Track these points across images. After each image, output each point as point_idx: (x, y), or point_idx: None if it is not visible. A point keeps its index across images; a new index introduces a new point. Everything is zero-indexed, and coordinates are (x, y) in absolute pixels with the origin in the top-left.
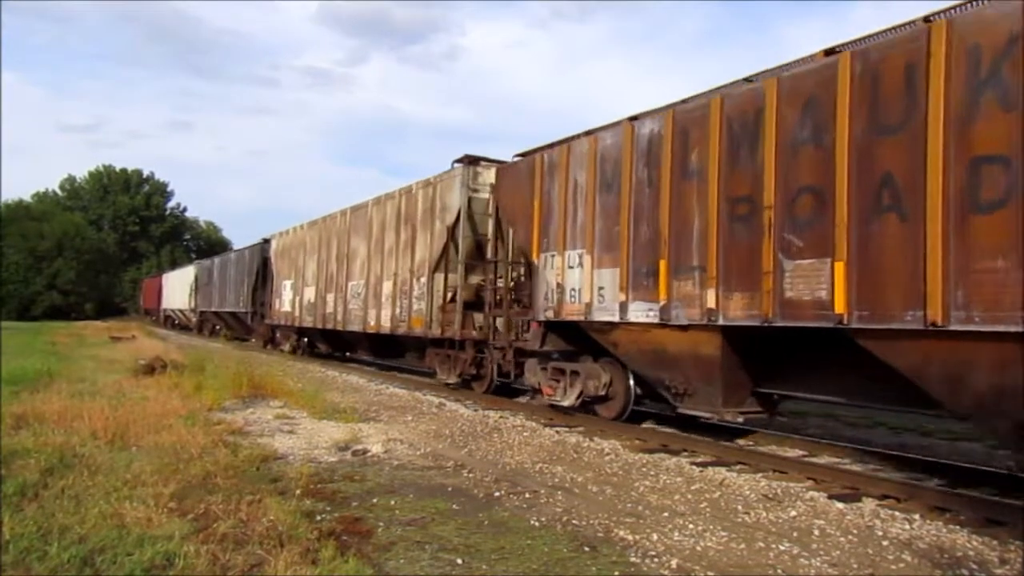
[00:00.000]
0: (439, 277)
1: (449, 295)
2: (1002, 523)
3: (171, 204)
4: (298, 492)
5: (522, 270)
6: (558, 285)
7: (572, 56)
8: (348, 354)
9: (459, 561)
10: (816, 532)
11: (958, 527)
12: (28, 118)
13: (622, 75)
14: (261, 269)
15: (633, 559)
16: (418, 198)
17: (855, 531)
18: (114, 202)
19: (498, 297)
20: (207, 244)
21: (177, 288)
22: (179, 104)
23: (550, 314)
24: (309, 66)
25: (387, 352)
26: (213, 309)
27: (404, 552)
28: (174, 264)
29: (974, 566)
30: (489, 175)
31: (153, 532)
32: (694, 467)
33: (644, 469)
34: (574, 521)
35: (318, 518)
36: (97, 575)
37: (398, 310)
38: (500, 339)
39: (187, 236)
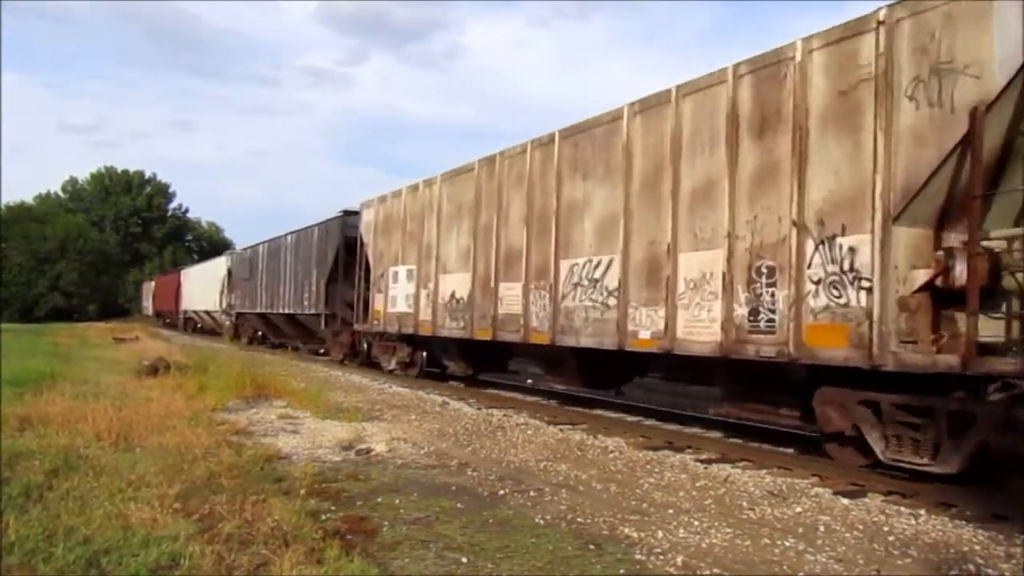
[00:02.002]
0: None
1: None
2: (1007, 518)
3: (173, 205)
4: (302, 492)
5: None
6: None
7: (574, 55)
8: (486, 377)
9: (464, 560)
10: (821, 528)
11: (964, 522)
12: (30, 119)
13: (624, 74)
14: (340, 254)
15: (638, 556)
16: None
17: (860, 527)
18: (116, 203)
19: None
20: (209, 245)
21: (202, 285)
22: (179, 104)
23: None
24: (309, 66)
25: (608, 379)
26: (258, 310)
27: (409, 551)
28: (175, 265)
29: (980, 561)
30: None
31: (158, 533)
32: (698, 464)
33: (648, 466)
34: (579, 519)
35: (323, 518)
36: (102, 575)
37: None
38: None
39: (189, 237)
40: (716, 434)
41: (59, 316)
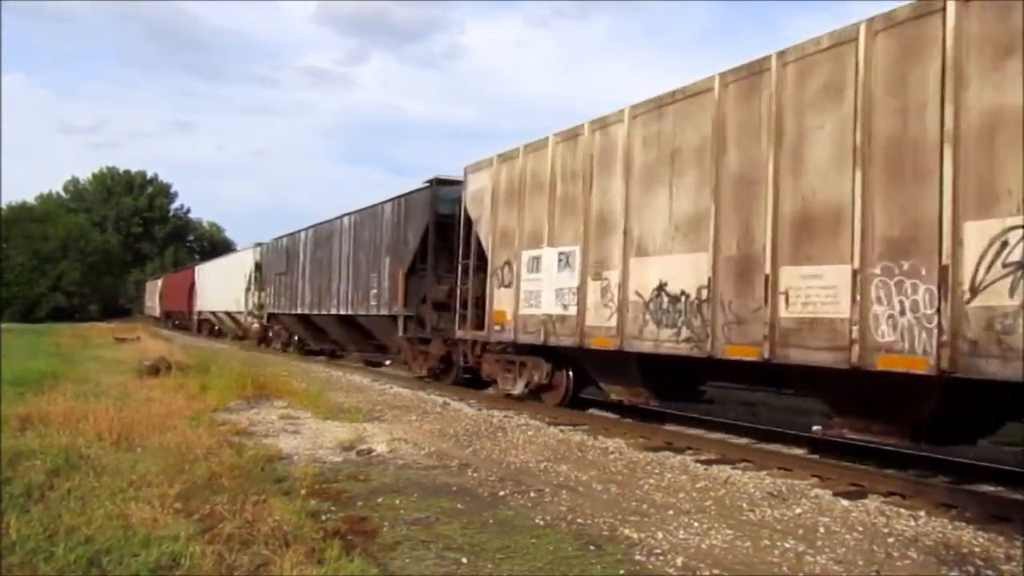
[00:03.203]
0: None
1: None
2: (1008, 519)
3: (174, 205)
4: (303, 492)
5: None
6: None
7: (574, 55)
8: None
9: (464, 560)
10: (821, 529)
11: (964, 524)
12: (30, 119)
13: (624, 73)
14: (430, 238)
15: (638, 557)
16: None
17: (860, 528)
18: (117, 203)
19: None
20: (210, 245)
21: (222, 283)
22: (180, 104)
23: None
24: (309, 66)
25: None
26: (297, 311)
27: (409, 551)
28: (177, 265)
29: (980, 563)
30: None
31: (159, 532)
32: (699, 465)
33: (649, 467)
34: (579, 520)
35: (323, 518)
36: (103, 575)
37: None
38: None
39: (190, 237)
40: (716, 435)
41: (60, 316)
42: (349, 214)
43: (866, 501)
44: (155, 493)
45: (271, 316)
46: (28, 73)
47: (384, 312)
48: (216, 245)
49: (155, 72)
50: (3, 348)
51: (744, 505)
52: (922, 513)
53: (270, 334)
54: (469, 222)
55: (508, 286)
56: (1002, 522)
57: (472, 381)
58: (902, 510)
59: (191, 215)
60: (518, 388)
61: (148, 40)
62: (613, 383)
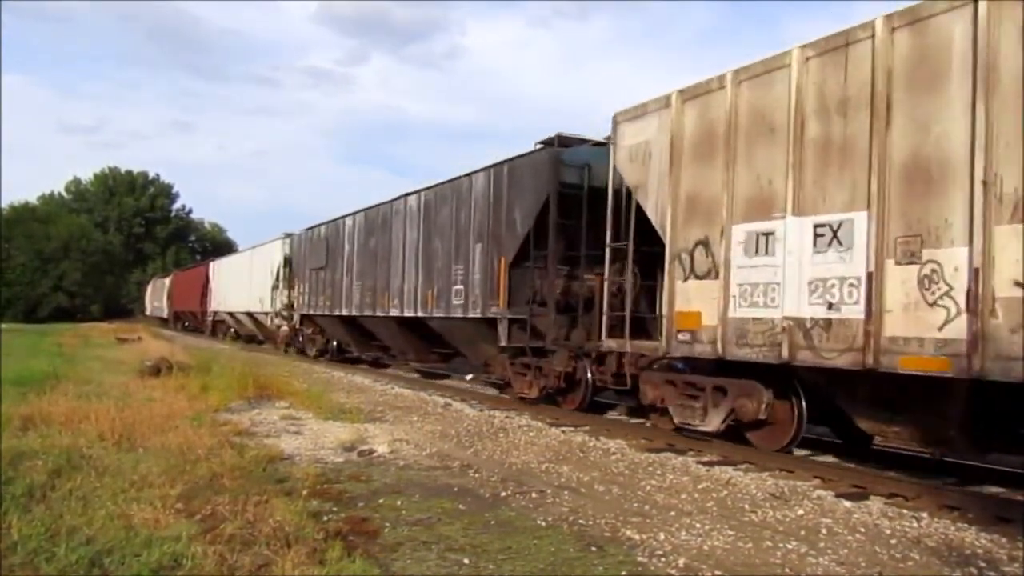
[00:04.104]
0: None
1: None
2: (1011, 521)
3: (176, 206)
4: (305, 492)
5: None
6: None
7: (574, 55)
8: None
9: (466, 561)
10: (823, 531)
11: (966, 525)
12: (33, 120)
13: (625, 73)
14: (551, 215)
15: (640, 558)
16: None
17: (863, 529)
18: (119, 204)
19: None
20: (212, 245)
21: (242, 280)
22: (181, 104)
23: None
24: (309, 66)
25: None
26: (341, 312)
27: (411, 552)
28: (178, 265)
29: (983, 564)
30: None
31: (160, 533)
32: (700, 466)
33: (650, 468)
34: (580, 521)
35: (325, 518)
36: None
37: None
38: None
39: (192, 237)
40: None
41: (62, 316)
42: (416, 192)
43: (868, 502)
44: (157, 493)
45: (304, 318)
46: (29, 73)
47: (474, 314)
48: (218, 245)
49: (156, 72)
50: (5, 348)
51: (746, 506)
52: (924, 514)
53: (300, 339)
54: (621, 191)
55: (705, 276)
56: (1005, 524)
57: (595, 405)
58: (904, 511)
59: (192, 215)
60: (712, 423)
61: (148, 40)
62: (888, 421)
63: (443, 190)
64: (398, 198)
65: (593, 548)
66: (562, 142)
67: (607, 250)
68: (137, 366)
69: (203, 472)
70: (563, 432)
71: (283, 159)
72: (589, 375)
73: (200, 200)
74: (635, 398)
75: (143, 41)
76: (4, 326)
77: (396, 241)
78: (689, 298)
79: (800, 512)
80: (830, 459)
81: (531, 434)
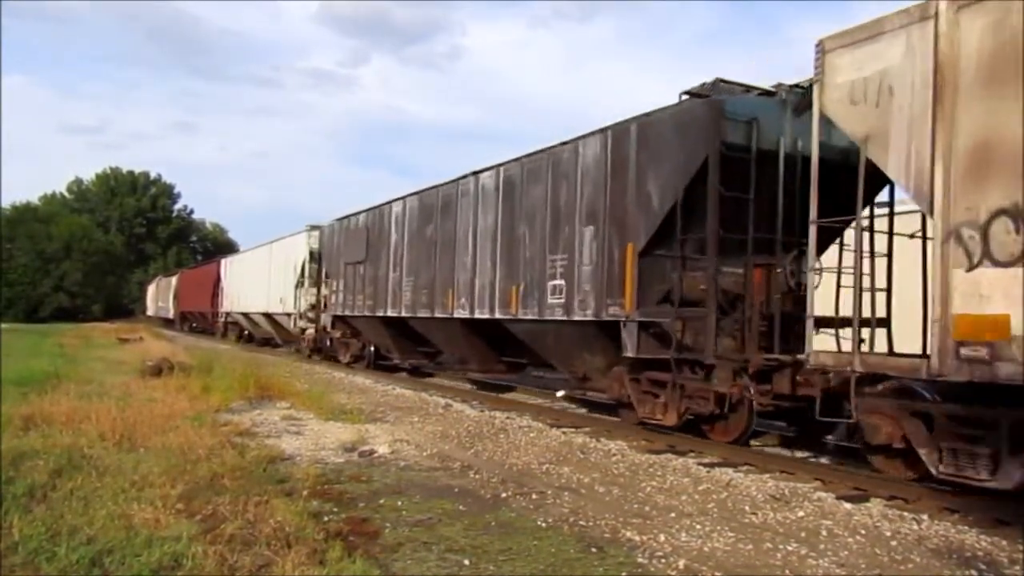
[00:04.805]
0: None
1: None
2: (1011, 523)
3: (177, 206)
4: (305, 493)
5: None
6: None
7: (575, 55)
8: None
9: (466, 562)
10: (824, 533)
11: (967, 527)
12: (33, 120)
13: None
14: (710, 186)
15: (640, 560)
16: None
17: (863, 531)
18: (121, 204)
19: None
20: (214, 245)
21: (259, 277)
22: (182, 105)
23: None
24: (310, 67)
25: None
26: (387, 313)
27: (411, 553)
28: (180, 265)
29: (983, 566)
30: None
31: (161, 533)
32: (701, 468)
33: (651, 470)
34: (581, 522)
35: (325, 519)
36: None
37: None
38: None
39: (193, 238)
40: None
41: (63, 316)
42: (492, 168)
43: (869, 504)
44: (157, 494)
45: (336, 320)
46: (30, 74)
47: (581, 316)
48: (219, 246)
49: (157, 73)
50: (6, 348)
51: (746, 508)
52: (925, 516)
53: (329, 343)
54: (831, 149)
55: (1014, 263)
56: (1005, 526)
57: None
58: (905, 513)
59: (194, 216)
60: (1012, 478)
61: (149, 41)
62: None
63: (533, 163)
64: (465, 177)
65: (593, 549)
66: (726, 88)
67: (811, 229)
68: (138, 366)
69: (204, 472)
70: (564, 433)
71: (284, 160)
72: (752, 397)
73: (201, 200)
74: (807, 425)
75: (144, 41)
76: (5, 326)
77: (463, 228)
78: (982, 295)
79: (801, 514)
80: (830, 461)
81: (532, 435)
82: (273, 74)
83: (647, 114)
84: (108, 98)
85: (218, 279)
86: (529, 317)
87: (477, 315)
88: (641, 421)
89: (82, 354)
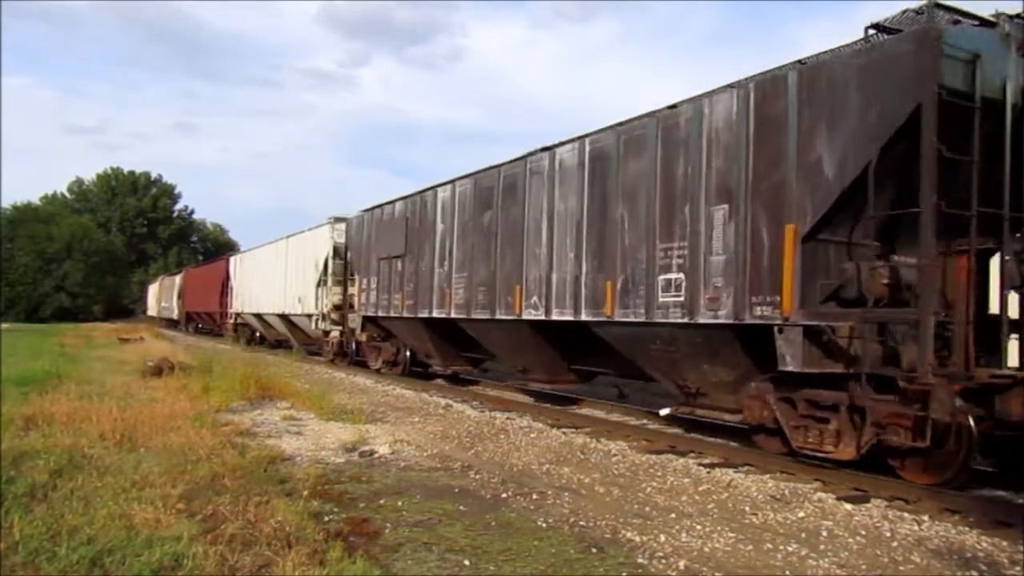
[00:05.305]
0: None
1: None
2: (1012, 524)
3: (178, 206)
4: (306, 493)
5: None
6: None
7: (576, 56)
8: None
9: (466, 562)
10: (824, 533)
11: (967, 528)
12: (36, 121)
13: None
14: (926, 145)
15: (640, 560)
16: None
17: (864, 532)
18: (122, 204)
19: None
20: (214, 246)
21: (275, 275)
22: (183, 106)
23: None
24: (311, 68)
25: None
26: (431, 313)
27: (412, 553)
28: (180, 265)
29: (984, 567)
30: None
31: (161, 533)
32: (701, 468)
33: (651, 470)
34: (581, 522)
35: (326, 519)
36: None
37: None
38: None
39: (194, 238)
40: (719, 439)
41: (64, 316)
42: (574, 140)
43: (869, 505)
44: (158, 494)
45: (367, 322)
46: (31, 75)
47: (713, 318)
48: (220, 246)
49: (158, 74)
50: (7, 348)
51: (747, 508)
52: (925, 517)
53: (355, 346)
54: None
55: None
56: (1006, 527)
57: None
58: (905, 514)
59: (195, 216)
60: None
61: (150, 42)
62: None
63: (633, 131)
64: (534, 153)
65: (594, 550)
66: (952, 17)
67: None
68: (139, 366)
69: (204, 472)
70: (564, 434)
71: (285, 160)
72: (972, 425)
73: (202, 201)
74: None
75: (145, 43)
76: (6, 326)
77: (534, 214)
78: None
79: (801, 514)
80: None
81: (532, 435)
82: (274, 75)
83: (813, 57)
84: (109, 99)
85: (227, 278)
86: (630, 319)
87: (555, 317)
88: (793, 452)
89: (83, 354)
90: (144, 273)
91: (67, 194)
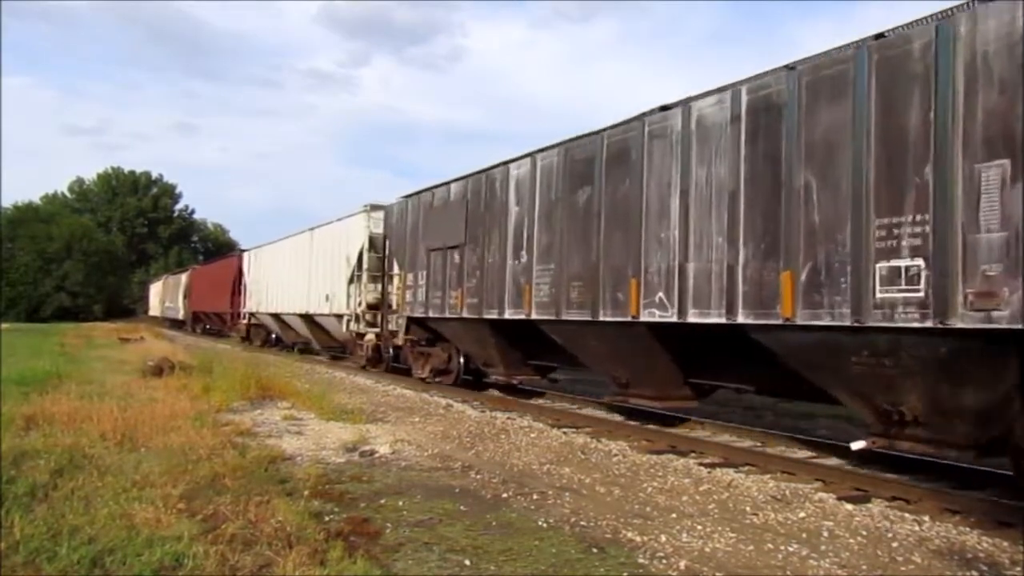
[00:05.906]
0: None
1: None
2: (1012, 524)
3: (179, 206)
4: (306, 493)
5: None
6: None
7: (577, 56)
8: None
9: (467, 562)
10: (825, 533)
11: (968, 528)
12: (36, 121)
13: (628, 75)
14: None
15: (641, 560)
16: None
17: (864, 532)
18: (122, 204)
19: None
20: (215, 246)
21: (298, 272)
22: (183, 106)
23: None
24: (311, 68)
25: None
26: (509, 315)
27: (412, 553)
28: (181, 265)
29: (984, 568)
30: None
31: (162, 533)
32: (702, 468)
33: (652, 470)
34: (582, 522)
35: (326, 519)
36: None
37: None
38: None
39: (195, 238)
40: (720, 439)
41: (65, 316)
42: (723, 88)
43: (870, 505)
44: (158, 493)
45: (413, 323)
46: (32, 75)
47: (985, 322)
48: (220, 246)
49: (158, 74)
50: (8, 348)
51: (747, 508)
52: (926, 518)
53: (392, 351)
54: None
55: None
56: (1007, 527)
57: None
58: (906, 514)
59: (195, 216)
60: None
61: (150, 42)
62: None
63: (823, 71)
64: (652, 112)
65: (594, 550)
66: None
67: None
68: (140, 366)
69: (205, 472)
70: (564, 434)
71: (285, 160)
72: None
73: (203, 201)
74: None
75: (145, 43)
76: (6, 326)
77: (657, 188)
78: None
79: (802, 515)
80: (832, 462)
81: (532, 435)
82: (274, 75)
83: None
84: (109, 99)
85: (239, 275)
86: (824, 322)
87: (694, 319)
88: None
89: (83, 354)
90: (145, 273)
91: (68, 194)
